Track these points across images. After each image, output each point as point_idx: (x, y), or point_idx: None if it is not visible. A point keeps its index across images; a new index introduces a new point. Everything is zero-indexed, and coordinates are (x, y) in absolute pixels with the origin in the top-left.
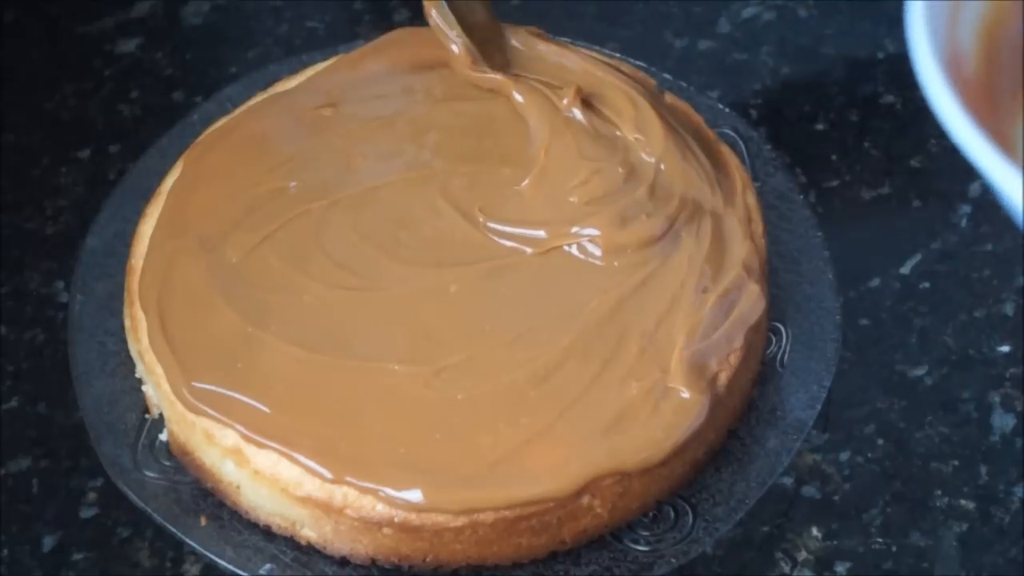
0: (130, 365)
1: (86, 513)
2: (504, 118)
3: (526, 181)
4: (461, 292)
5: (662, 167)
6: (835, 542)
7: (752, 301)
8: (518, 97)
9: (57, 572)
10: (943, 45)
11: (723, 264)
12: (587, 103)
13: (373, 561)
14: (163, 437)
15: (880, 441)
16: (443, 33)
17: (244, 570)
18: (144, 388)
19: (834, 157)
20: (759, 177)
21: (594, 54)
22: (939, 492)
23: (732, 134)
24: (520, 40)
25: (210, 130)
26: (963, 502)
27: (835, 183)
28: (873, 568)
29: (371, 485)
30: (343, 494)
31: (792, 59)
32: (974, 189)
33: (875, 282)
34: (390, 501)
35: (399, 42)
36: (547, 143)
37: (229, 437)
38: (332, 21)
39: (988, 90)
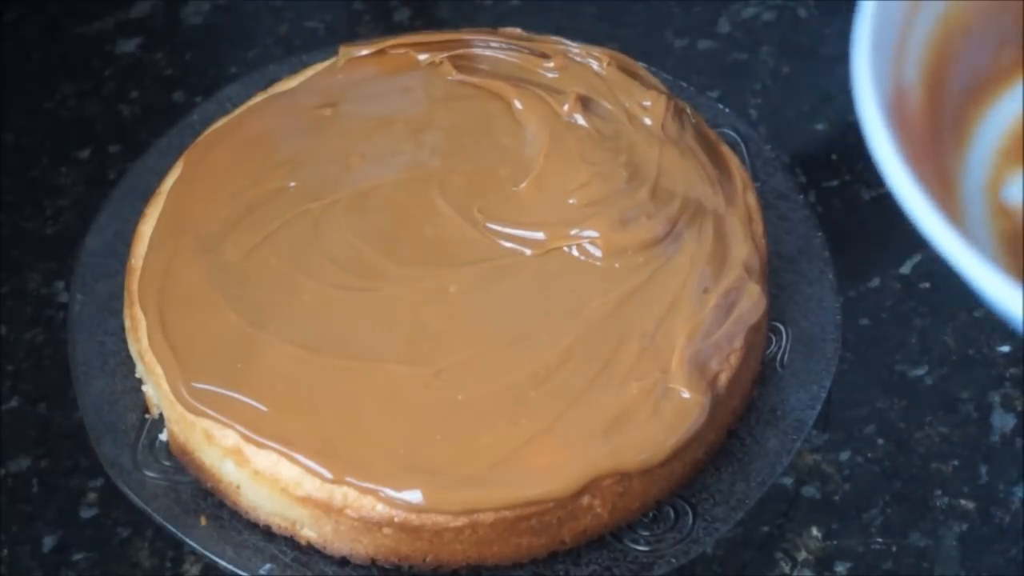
0: (130, 365)
1: (86, 513)
2: (503, 118)
3: (524, 183)
4: (461, 292)
5: (664, 168)
6: (835, 542)
7: (753, 301)
8: (517, 104)
9: (57, 572)
10: (888, 81)
11: (724, 264)
12: (588, 106)
13: (373, 561)
14: (163, 437)
15: (880, 441)
16: None
17: (244, 570)
18: (144, 388)
19: (834, 157)
20: (759, 177)
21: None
22: (939, 492)
23: (732, 134)
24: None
25: (210, 130)
26: (963, 502)
27: (835, 183)
28: (873, 568)
29: (371, 485)
30: (343, 494)
31: (792, 59)
32: None
33: (875, 282)
34: (390, 501)
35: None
36: (547, 147)
37: (229, 437)
38: (332, 21)
39: (932, 127)
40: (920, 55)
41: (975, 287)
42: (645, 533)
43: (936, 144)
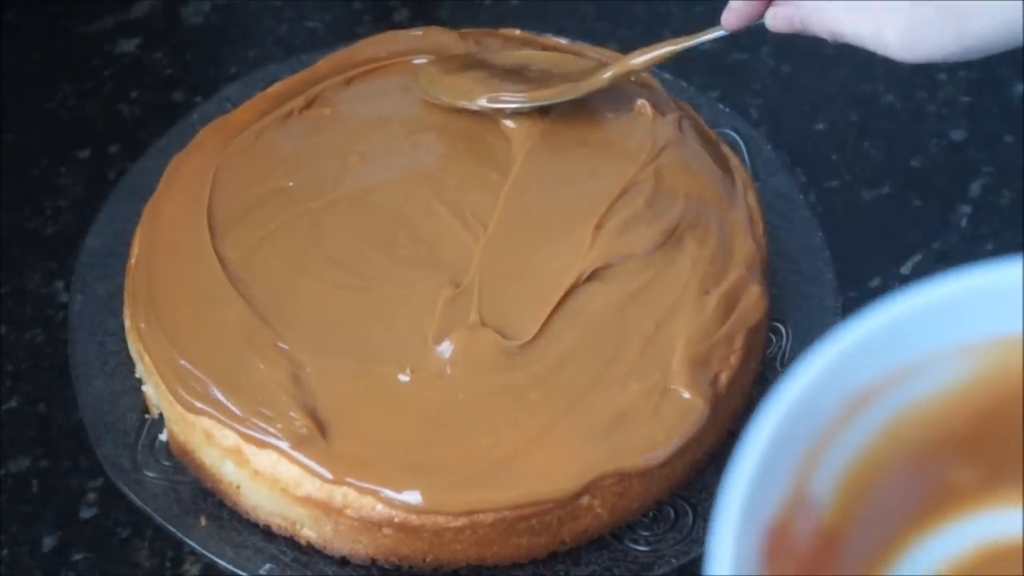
0: (130, 365)
1: (86, 513)
2: (497, 122)
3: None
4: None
5: (665, 172)
6: None
7: (753, 302)
8: (509, 124)
9: (57, 572)
10: (778, 495)
11: (726, 265)
12: (586, 109)
13: (373, 561)
14: (163, 437)
15: None
16: None
17: (244, 570)
18: (144, 388)
19: (834, 157)
20: (759, 177)
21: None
22: None
23: (732, 134)
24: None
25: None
26: None
27: (835, 183)
28: None
29: (371, 486)
30: (343, 494)
31: (792, 59)
32: (974, 189)
33: (875, 282)
34: (390, 502)
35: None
36: (538, 153)
37: (229, 437)
38: (332, 21)
39: (834, 543)
40: (845, 461)
41: None
42: (645, 533)
43: (835, 559)
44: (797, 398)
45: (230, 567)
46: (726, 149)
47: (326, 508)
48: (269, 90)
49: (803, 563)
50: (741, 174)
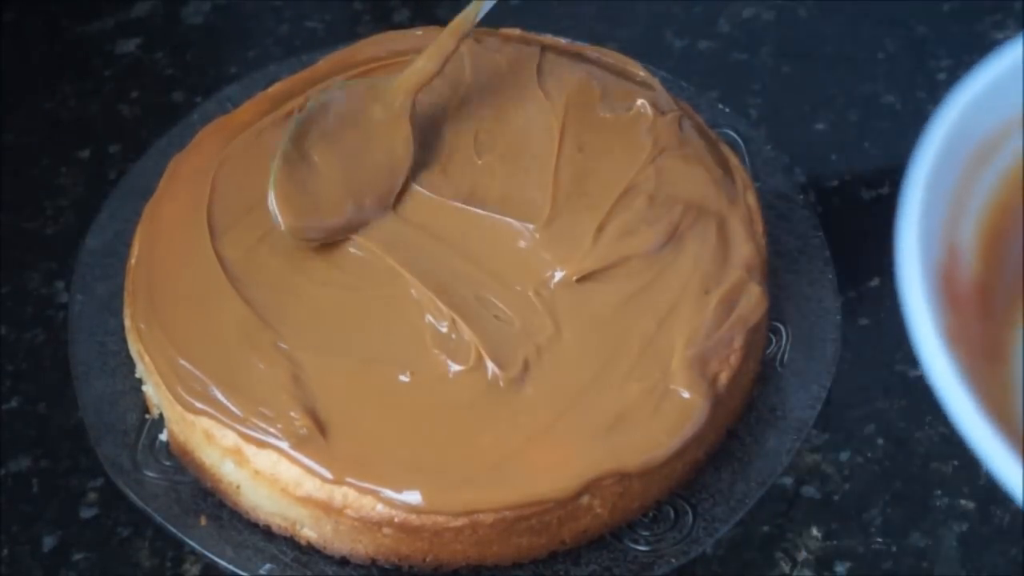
0: (130, 365)
1: (86, 513)
2: (500, 124)
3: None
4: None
5: (665, 173)
6: (835, 542)
7: (753, 302)
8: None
9: (57, 572)
10: (939, 242)
11: (726, 265)
12: (584, 111)
13: (373, 561)
14: (163, 437)
15: (880, 441)
16: None
17: (244, 570)
18: (144, 388)
19: (834, 157)
20: (759, 177)
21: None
22: (939, 492)
23: (732, 134)
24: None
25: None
26: (963, 502)
27: (835, 183)
28: (873, 568)
29: (371, 486)
30: (343, 494)
31: (792, 59)
32: None
33: (875, 282)
34: (390, 502)
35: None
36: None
37: (229, 437)
38: (332, 21)
39: (985, 291)
40: (979, 210)
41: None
42: (645, 533)
43: (988, 305)
44: (937, 148)
45: (230, 567)
46: (726, 149)
47: (326, 508)
48: (269, 90)
49: (972, 314)
50: (741, 174)
